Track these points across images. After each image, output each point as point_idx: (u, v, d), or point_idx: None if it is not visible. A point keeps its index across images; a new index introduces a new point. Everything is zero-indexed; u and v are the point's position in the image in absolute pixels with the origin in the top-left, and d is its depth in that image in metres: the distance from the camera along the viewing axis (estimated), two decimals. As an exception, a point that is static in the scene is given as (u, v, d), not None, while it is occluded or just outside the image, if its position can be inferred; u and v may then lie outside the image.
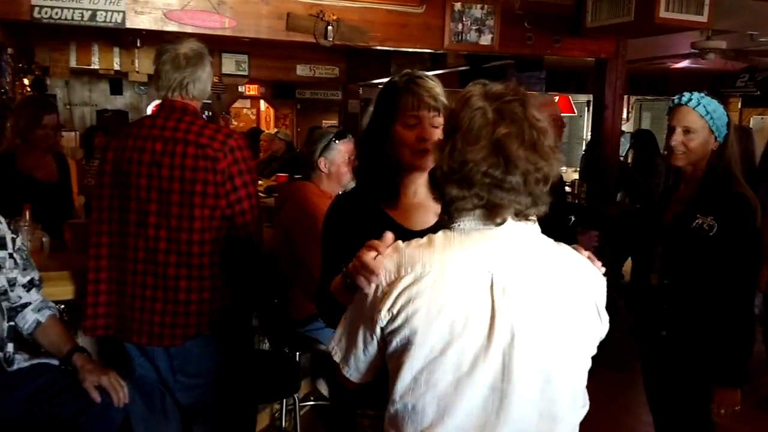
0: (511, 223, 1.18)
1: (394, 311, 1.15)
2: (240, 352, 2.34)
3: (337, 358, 1.27)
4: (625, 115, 8.68)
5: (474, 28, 3.96)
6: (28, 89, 5.52)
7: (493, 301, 1.14)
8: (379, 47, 4.23)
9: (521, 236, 1.19)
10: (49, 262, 2.58)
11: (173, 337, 2.12)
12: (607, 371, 3.28)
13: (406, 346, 1.15)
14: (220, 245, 2.15)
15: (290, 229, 2.75)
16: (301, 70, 6.81)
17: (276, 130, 6.61)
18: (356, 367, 1.26)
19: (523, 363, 1.14)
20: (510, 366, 1.14)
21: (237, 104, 11.60)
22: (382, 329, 1.18)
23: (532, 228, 1.21)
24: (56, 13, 3.34)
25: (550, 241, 1.24)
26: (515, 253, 1.18)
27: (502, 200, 1.15)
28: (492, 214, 1.16)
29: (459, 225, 1.19)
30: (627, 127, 9.04)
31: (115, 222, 2.19)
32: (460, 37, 3.98)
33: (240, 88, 9.27)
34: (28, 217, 2.48)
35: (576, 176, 6.20)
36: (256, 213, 2.21)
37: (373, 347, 1.22)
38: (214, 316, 2.15)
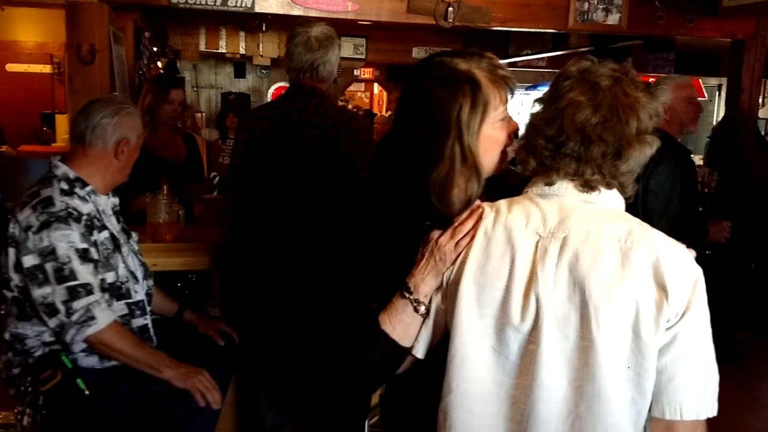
0: (571, 190, 1.16)
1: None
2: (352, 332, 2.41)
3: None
4: (760, 100, 8.06)
5: (601, 6, 3.82)
6: (161, 71, 5.87)
7: (533, 263, 1.12)
8: (499, 28, 4.16)
9: (580, 204, 1.16)
10: (185, 233, 2.76)
11: (297, 311, 2.21)
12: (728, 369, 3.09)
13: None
14: (343, 224, 2.22)
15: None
16: (417, 53, 6.82)
17: (390, 113, 6.66)
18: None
19: (551, 334, 1.09)
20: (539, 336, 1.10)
21: (351, 87, 11.78)
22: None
23: (602, 198, 1.16)
24: (191, -1, 3.54)
25: (626, 217, 1.16)
26: (568, 219, 1.14)
27: (558, 164, 1.16)
28: (547, 177, 1.17)
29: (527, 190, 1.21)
30: (763, 113, 8.39)
31: (246, 200, 2.31)
32: (585, 17, 3.84)
33: (355, 72, 9.41)
34: (165, 191, 2.66)
35: (701, 163, 5.84)
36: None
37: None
38: (336, 291, 2.22)
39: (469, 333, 1.15)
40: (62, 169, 1.99)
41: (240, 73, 9.46)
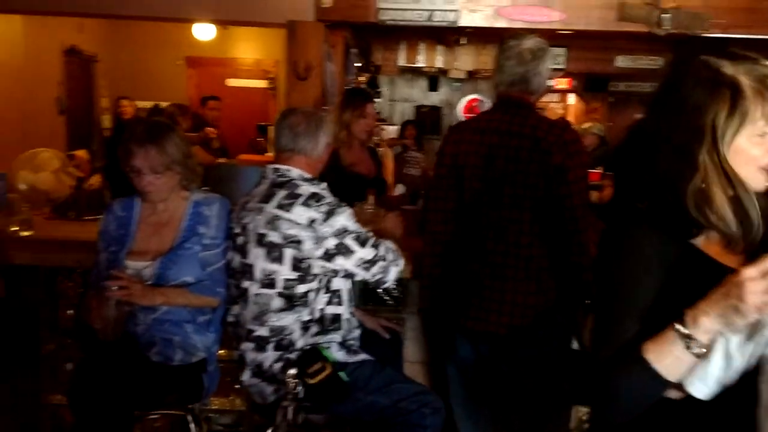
0: None
1: None
2: (559, 348, 2.32)
3: None
4: None
5: None
6: (363, 86, 6.16)
7: None
8: (720, 35, 3.82)
9: None
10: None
11: (498, 325, 2.19)
12: None
13: None
14: (548, 239, 2.15)
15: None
16: (622, 62, 6.48)
17: (589, 124, 6.39)
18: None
19: None
20: None
21: (544, 98, 11.49)
22: None
23: None
24: (398, 15, 3.67)
25: None
26: None
27: None
28: None
29: None
30: None
31: (449, 212, 2.33)
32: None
33: (551, 82, 9.17)
34: (371, 201, 2.77)
35: None
36: (585, 209, 2.16)
37: None
38: (539, 308, 2.17)
39: None
40: (296, 171, 2.21)
41: (434, 87, 9.65)
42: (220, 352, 2.46)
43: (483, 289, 2.21)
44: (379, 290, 2.81)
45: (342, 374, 2.09)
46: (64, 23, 7.64)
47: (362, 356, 2.25)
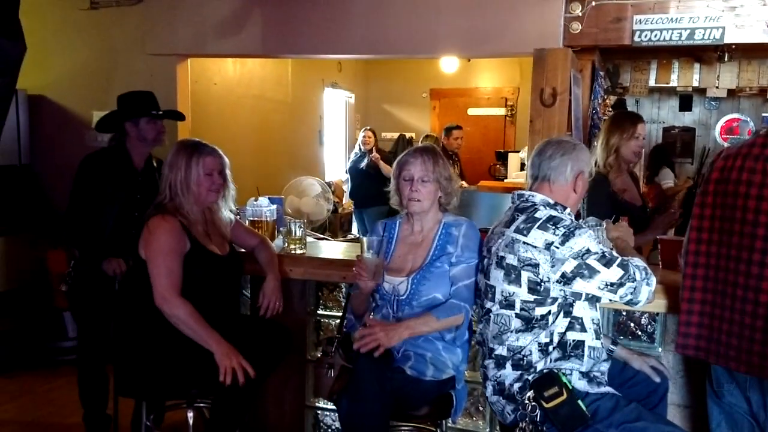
0: None
1: None
2: None
3: None
4: None
5: None
6: (610, 109, 5.94)
7: None
8: None
9: None
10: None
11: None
12: None
13: None
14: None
15: None
16: None
17: None
18: None
19: None
20: None
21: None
22: None
23: None
24: (655, 36, 3.50)
25: None
26: None
27: None
28: None
29: None
30: None
31: (715, 243, 2.14)
32: None
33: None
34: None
35: None
36: None
37: None
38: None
39: None
40: (539, 197, 2.25)
41: (686, 106, 8.94)
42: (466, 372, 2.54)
43: (755, 331, 1.99)
44: (631, 324, 2.69)
45: (580, 402, 2.06)
46: (326, 64, 8.52)
47: (606, 389, 2.18)
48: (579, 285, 2.11)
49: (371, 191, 6.62)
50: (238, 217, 3.00)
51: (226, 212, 2.80)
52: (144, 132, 3.25)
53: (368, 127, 7.35)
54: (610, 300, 2.17)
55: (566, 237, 2.10)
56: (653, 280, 2.16)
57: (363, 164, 7.09)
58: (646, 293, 2.14)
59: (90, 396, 3.38)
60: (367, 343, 2.22)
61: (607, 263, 2.09)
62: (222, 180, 2.70)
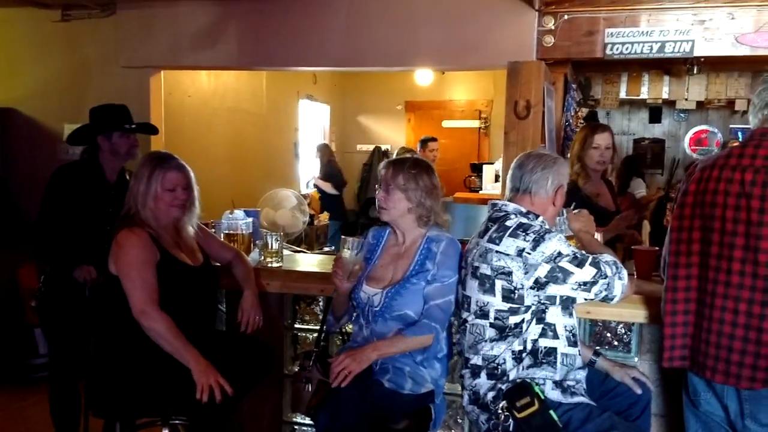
0: None
1: None
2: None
3: None
4: None
5: None
6: (581, 121, 6.02)
7: None
8: None
9: None
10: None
11: (752, 380, 1.98)
12: None
13: None
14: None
15: None
16: None
17: None
18: None
19: None
20: None
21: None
22: None
23: None
24: (627, 49, 3.56)
25: None
26: None
27: None
28: None
29: None
30: None
31: (695, 254, 2.15)
32: None
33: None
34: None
35: None
36: None
37: None
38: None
39: None
40: (512, 206, 2.29)
41: (655, 118, 9.10)
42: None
43: (734, 339, 2.00)
44: (608, 334, 2.70)
45: (552, 413, 2.07)
46: (301, 76, 8.51)
47: (580, 399, 2.19)
48: (553, 288, 2.14)
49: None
50: (213, 231, 2.96)
51: (189, 228, 2.74)
52: (117, 146, 3.20)
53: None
54: (585, 299, 2.20)
55: (536, 242, 2.13)
56: (624, 273, 2.20)
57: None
58: (620, 287, 2.17)
59: (62, 414, 3.30)
60: (343, 376, 2.21)
61: (580, 264, 2.13)
62: (186, 196, 2.63)
